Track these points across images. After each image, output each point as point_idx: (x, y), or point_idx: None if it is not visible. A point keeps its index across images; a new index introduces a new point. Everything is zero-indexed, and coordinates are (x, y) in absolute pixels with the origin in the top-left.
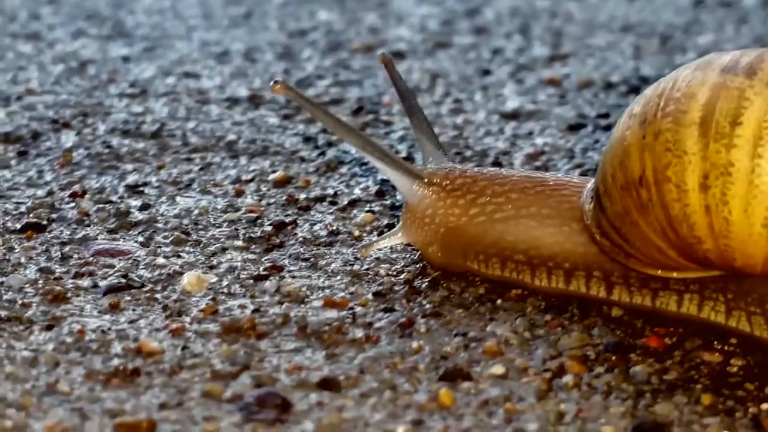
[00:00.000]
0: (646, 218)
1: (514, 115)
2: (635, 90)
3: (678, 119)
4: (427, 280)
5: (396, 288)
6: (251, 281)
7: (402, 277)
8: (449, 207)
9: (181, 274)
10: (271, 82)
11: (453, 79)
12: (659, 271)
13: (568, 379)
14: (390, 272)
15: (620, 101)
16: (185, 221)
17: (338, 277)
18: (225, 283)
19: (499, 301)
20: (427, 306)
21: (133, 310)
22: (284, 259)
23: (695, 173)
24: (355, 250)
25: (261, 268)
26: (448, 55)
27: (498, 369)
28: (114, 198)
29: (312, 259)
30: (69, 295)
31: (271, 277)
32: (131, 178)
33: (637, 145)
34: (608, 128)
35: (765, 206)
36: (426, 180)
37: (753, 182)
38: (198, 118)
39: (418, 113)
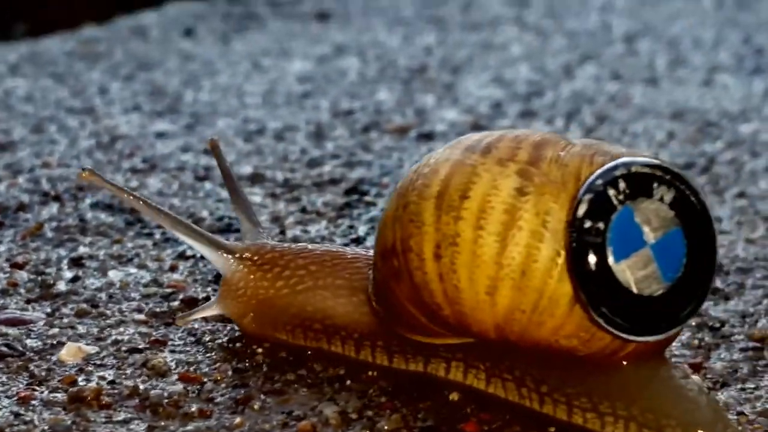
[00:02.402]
0: (399, 285)
1: None
2: None
3: (421, 193)
4: (292, 358)
5: (262, 365)
6: (126, 354)
7: (280, 354)
8: (259, 280)
9: (63, 344)
10: (80, 170)
11: None
12: (421, 338)
13: None
14: (267, 350)
15: None
16: (101, 294)
17: (213, 353)
18: (102, 354)
19: (349, 382)
20: (277, 385)
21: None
22: (176, 333)
23: (430, 243)
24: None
25: (145, 342)
26: None
27: None
28: (50, 270)
29: (200, 335)
30: None
31: (147, 351)
32: (81, 251)
33: (392, 216)
34: None
35: (486, 275)
36: (238, 255)
37: (476, 252)
38: (186, 194)
39: (239, 193)
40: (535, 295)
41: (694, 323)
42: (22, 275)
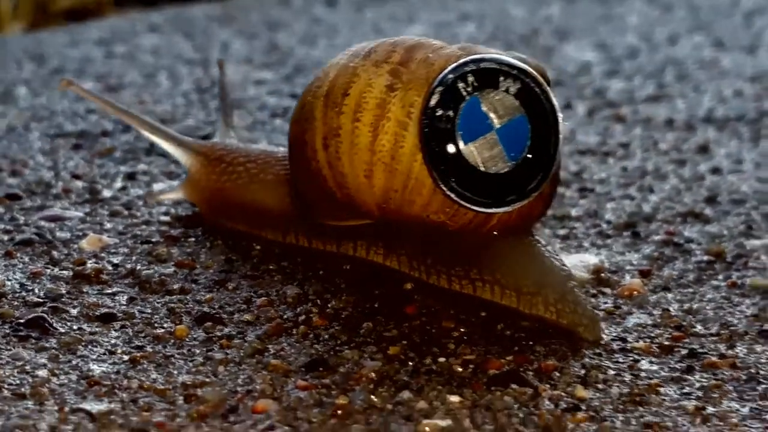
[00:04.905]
0: (303, 175)
1: None
2: (690, 128)
3: (314, 93)
4: (281, 253)
5: (253, 258)
6: (139, 245)
7: (275, 251)
8: (210, 173)
9: (87, 235)
10: (61, 82)
11: None
12: (329, 221)
13: (301, 329)
14: (264, 246)
15: (658, 135)
16: (140, 201)
17: (216, 249)
18: (119, 245)
19: (321, 272)
20: (257, 272)
21: (22, 258)
22: (192, 233)
23: (320, 135)
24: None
25: (160, 237)
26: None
27: (248, 317)
28: (104, 181)
29: (211, 235)
30: None
31: (159, 244)
32: (138, 168)
33: (295, 115)
34: (608, 155)
35: (363, 160)
36: (196, 151)
37: (353, 141)
38: (255, 127)
39: (227, 100)
40: (403, 177)
41: (660, 239)
42: (77, 184)
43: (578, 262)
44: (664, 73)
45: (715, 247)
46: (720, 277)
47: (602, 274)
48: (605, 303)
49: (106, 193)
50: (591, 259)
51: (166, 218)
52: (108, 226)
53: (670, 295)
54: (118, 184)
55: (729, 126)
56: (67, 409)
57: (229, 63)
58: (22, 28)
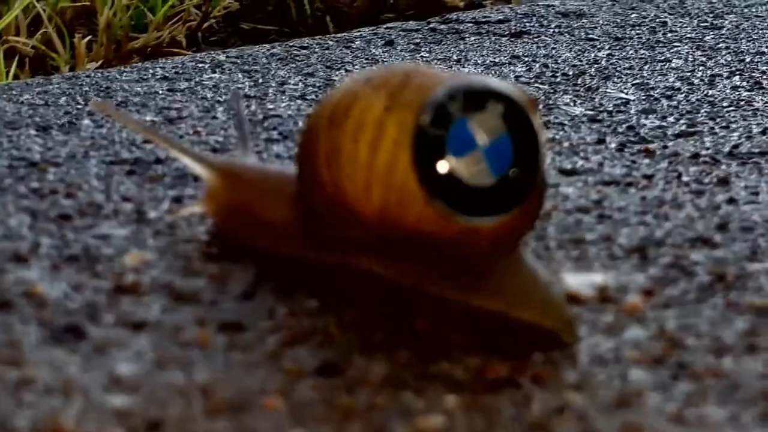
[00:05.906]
0: (307, 189)
1: (570, 173)
2: (714, 162)
3: (320, 114)
4: (305, 270)
5: (280, 275)
6: (177, 260)
7: (301, 269)
8: (226, 188)
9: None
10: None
11: (564, 146)
12: (335, 233)
13: (318, 337)
14: (289, 267)
15: (682, 168)
16: (183, 223)
17: (250, 264)
18: (159, 260)
19: (341, 288)
20: (284, 288)
21: (68, 272)
22: (234, 250)
23: (323, 153)
24: None
25: (198, 253)
26: (590, 127)
27: (269, 325)
28: (152, 203)
29: (246, 254)
30: (30, 258)
31: (194, 261)
32: (186, 192)
33: (303, 134)
34: (630, 185)
35: (362, 177)
36: (215, 167)
37: (353, 158)
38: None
39: (244, 124)
40: (398, 191)
41: (667, 262)
42: (126, 206)
43: (585, 280)
44: (698, 112)
45: (718, 269)
46: (719, 296)
47: (607, 293)
48: (606, 318)
49: (152, 215)
50: (597, 278)
51: (207, 237)
52: (150, 243)
53: (668, 313)
54: (164, 206)
55: (752, 160)
56: (92, 402)
57: (284, 98)
58: (96, 67)
